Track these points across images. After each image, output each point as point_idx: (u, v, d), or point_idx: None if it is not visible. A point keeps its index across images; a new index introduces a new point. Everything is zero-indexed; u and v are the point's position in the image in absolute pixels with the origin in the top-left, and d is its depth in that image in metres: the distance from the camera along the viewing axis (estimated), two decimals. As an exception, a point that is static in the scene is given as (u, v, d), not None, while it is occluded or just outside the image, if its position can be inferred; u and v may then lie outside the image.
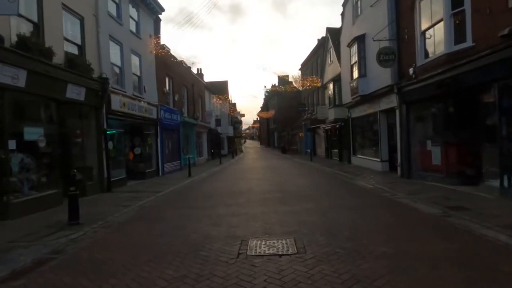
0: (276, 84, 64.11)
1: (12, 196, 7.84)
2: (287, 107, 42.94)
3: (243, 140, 72.78)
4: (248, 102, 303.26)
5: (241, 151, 55.37)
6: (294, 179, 14.57)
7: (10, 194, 7.74)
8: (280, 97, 50.35)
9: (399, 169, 13.40)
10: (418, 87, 11.49)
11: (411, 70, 11.85)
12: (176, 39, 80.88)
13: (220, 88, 43.16)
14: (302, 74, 40.91)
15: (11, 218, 7.47)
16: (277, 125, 56.53)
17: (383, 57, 12.58)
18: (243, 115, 73.28)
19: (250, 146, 79.90)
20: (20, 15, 8.24)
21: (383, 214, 7.21)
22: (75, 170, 7.19)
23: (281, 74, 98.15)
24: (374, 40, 13.45)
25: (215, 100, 37.68)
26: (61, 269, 4.54)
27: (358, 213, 7.30)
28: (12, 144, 7.77)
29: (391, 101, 13.90)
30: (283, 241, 5.22)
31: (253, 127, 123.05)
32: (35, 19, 8.97)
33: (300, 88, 41.89)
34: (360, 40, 16.87)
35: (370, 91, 15.95)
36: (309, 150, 31.31)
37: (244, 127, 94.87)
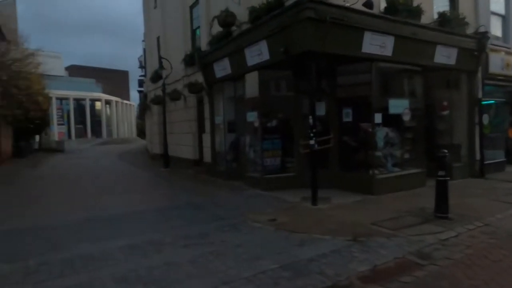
0: None
1: (377, 171, 7.62)
2: None
3: None
4: None
5: None
6: None
7: (375, 168, 7.55)
8: None
9: None
10: None
11: None
12: None
13: None
14: None
15: (375, 194, 7.23)
16: None
17: None
18: None
19: None
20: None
21: None
22: (445, 151, 5.66)
23: None
24: None
25: None
26: (430, 291, 3.28)
27: None
28: (378, 118, 7.45)
29: None
30: None
31: None
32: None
33: None
34: None
35: None
36: None
37: None
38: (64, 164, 18.93)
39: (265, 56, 7.62)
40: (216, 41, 9.59)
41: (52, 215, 6.89)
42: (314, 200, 6.55)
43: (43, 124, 26.01)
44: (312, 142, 6.56)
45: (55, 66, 36.29)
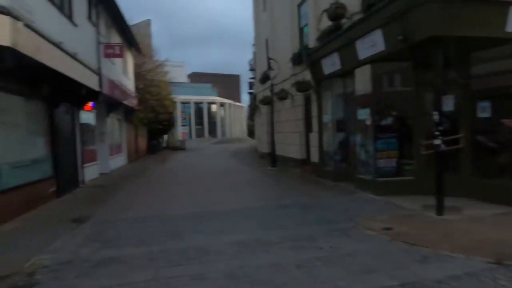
0: None
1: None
2: None
3: None
4: None
5: None
6: None
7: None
8: None
9: None
10: None
11: None
12: None
13: None
14: None
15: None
16: None
17: None
18: None
19: None
20: None
21: None
22: None
23: None
24: None
25: None
26: None
27: None
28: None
29: None
30: None
31: None
32: None
33: None
34: None
35: None
36: None
37: None
38: (186, 160, 21.17)
39: (380, 47, 6.94)
40: (325, 36, 9.23)
41: (173, 206, 7.64)
42: (440, 209, 5.63)
43: (169, 125, 29.66)
44: (437, 141, 5.65)
45: (179, 74, 41.15)
